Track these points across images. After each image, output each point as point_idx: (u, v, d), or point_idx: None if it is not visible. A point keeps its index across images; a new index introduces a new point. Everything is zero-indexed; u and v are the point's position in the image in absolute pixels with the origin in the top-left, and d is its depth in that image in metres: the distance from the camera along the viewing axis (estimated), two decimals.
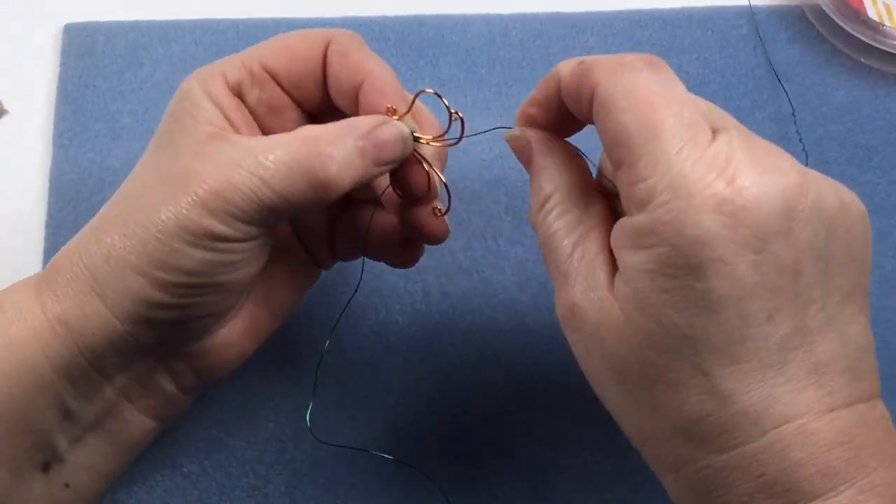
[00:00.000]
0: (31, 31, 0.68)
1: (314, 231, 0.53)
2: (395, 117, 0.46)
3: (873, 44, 0.65)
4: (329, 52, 0.48)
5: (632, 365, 0.39)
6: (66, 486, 0.47)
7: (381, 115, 0.46)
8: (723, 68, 0.66)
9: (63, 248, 0.46)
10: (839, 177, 0.62)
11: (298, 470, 0.60)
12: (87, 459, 0.48)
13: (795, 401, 0.37)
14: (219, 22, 0.68)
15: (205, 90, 0.46)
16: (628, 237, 0.39)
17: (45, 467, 0.46)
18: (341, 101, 0.49)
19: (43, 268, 0.60)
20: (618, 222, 0.40)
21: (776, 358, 0.37)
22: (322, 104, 0.50)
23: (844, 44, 0.67)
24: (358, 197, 0.54)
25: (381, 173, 0.47)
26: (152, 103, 0.64)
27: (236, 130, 0.46)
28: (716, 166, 0.37)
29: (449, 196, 0.50)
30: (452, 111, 0.47)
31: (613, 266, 0.41)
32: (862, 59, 0.66)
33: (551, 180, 0.45)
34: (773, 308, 0.37)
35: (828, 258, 0.39)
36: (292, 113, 0.50)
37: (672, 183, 0.37)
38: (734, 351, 0.37)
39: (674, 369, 0.38)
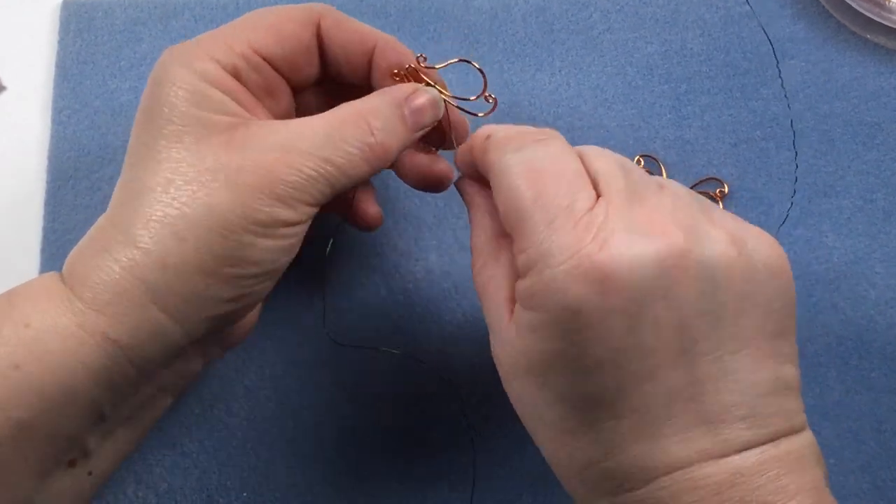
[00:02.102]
0: (29, 7, 0.67)
1: None
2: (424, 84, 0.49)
3: (878, 20, 0.65)
4: (323, 28, 0.48)
5: (534, 413, 0.42)
6: (90, 473, 0.47)
7: (412, 83, 0.49)
8: (726, 45, 0.66)
9: (84, 256, 0.43)
10: (844, 155, 0.63)
11: (299, 449, 0.59)
12: (112, 449, 0.47)
13: (685, 449, 0.38)
14: None
15: (200, 75, 0.45)
16: (519, 296, 0.41)
17: (72, 463, 0.45)
18: (348, 72, 0.50)
19: (42, 246, 0.61)
20: (516, 281, 0.42)
21: (662, 412, 0.38)
22: (309, 80, 0.50)
23: (849, 20, 0.66)
24: None
25: (418, 137, 0.49)
26: None
27: (252, 113, 0.46)
28: (588, 234, 0.38)
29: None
30: (487, 93, 0.52)
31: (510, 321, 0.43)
32: (867, 36, 0.66)
33: (479, 234, 0.47)
34: (654, 366, 0.38)
35: (719, 311, 0.39)
36: (285, 94, 0.50)
37: (543, 253, 0.39)
38: (616, 406, 0.39)
39: (564, 419, 0.40)
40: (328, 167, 0.44)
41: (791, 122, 0.64)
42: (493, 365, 0.43)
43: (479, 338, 0.61)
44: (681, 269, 0.38)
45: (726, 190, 0.62)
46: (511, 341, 0.41)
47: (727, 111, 0.64)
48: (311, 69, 0.50)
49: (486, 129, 0.46)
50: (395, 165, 0.53)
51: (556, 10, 0.67)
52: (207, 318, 0.44)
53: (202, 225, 0.42)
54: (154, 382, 0.46)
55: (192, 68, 0.45)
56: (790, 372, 0.41)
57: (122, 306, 0.42)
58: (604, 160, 0.42)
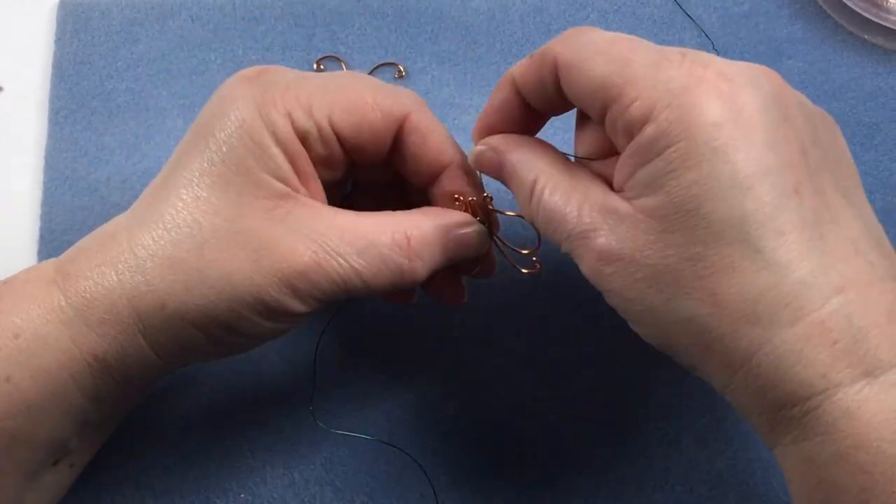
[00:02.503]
0: (25, 7, 0.67)
1: None
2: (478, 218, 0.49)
3: (876, 20, 0.65)
4: (407, 130, 0.47)
5: (682, 270, 0.39)
6: (70, 466, 0.47)
7: (466, 215, 0.48)
8: (724, 45, 0.66)
9: (89, 265, 0.43)
10: None
11: (297, 450, 0.59)
12: (91, 443, 0.48)
13: (847, 268, 0.38)
14: None
15: (271, 131, 0.43)
16: (639, 155, 0.40)
17: (56, 462, 0.46)
18: (411, 176, 0.49)
19: (39, 246, 0.61)
20: (621, 157, 0.41)
21: (815, 230, 0.38)
22: (371, 164, 0.49)
23: (846, 20, 0.66)
24: None
25: (450, 264, 0.48)
26: (148, 81, 0.64)
27: (302, 181, 0.45)
28: (698, 67, 0.39)
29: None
30: (535, 259, 0.51)
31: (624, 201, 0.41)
32: (864, 36, 0.66)
33: (530, 168, 0.45)
34: (796, 181, 0.38)
35: (823, 146, 0.40)
36: (343, 166, 0.48)
37: (668, 89, 0.38)
38: (777, 224, 0.37)
39: (726, 255, 0.38)
40: (353, 276, 0.43)
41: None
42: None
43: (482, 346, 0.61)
44: (787, 95, 0.40)
45: None
46: (641, 214, 0.40)
47: None
48: (378, 158, 0.48)
49: (520, 62, 0.46)
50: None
51: (553, 11, 0.67)
52: (188, 360, 0.46)
53: (213, 287, 0.42)
54: (136, 390, 0.47)
55: (267, 119, 0.43)
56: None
57: (114, 329, 0.42)
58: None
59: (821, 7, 0.67)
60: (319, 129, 0.45)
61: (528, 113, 0.47)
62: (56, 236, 0.61)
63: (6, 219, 0.62)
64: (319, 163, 0.46)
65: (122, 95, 0.64)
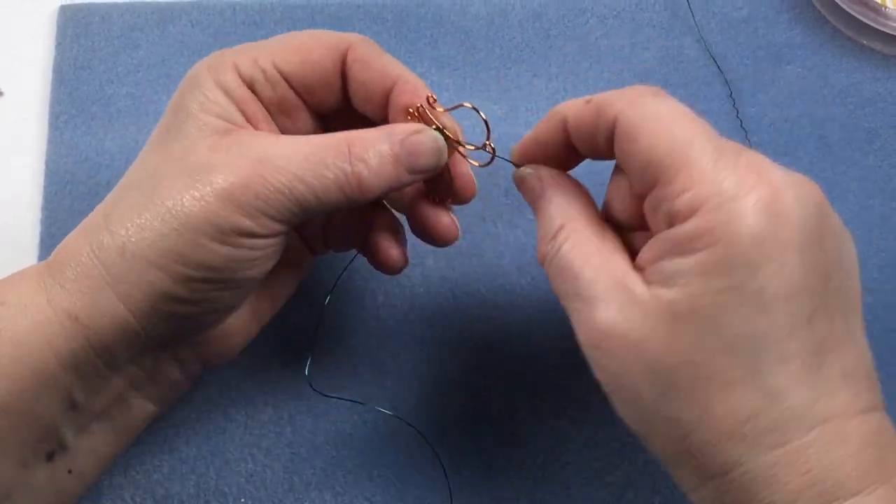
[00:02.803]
0: (26, 12, 0.67)
1: (313, 221, 0.53)
2: (433, 127, 0.47)
3: (875, 25, 0.65)
4: (349, 60, 0.48)
5: (681, 372, 0.39)
6: (70, 471, 0.47)
7: (417, 123, 0.47)
8: (723, 51, 0.66)
9: (69, 237, 0.45)
10: (841, 160, 0.63)
11: (297, 454, 0.59)
12: (90, 446, 0.47)
13: (833, 401, 0.38)
14: (216, 3, 0.67)
15: (216, 80, 0.45)
16: (674, 245, 0.39)
17: (50, 456, 0.46)
18: (366, 107, 0.49)
19: (39, 251, 0.61)
20: (655, 237, 0.41)
21: (815, 360, 0.38)
22: (333, 108, 0.50)
23: (845, 25, 0.66)
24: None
25: (414, 181, 0.47)
26: (149, 86, 0.64)
27: (253, 124, 0.47)
28: (752, 173, 0.38)
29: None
30: (488, 142, 0.49)
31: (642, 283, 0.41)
32: (863, 41, 0.66)
33: (563, 212, 0.45)
34: (812, 310, 0.38)
35: (843, 269, 0.40)
36: (303, 114, 0.49)
37: (719, 189, 0.38)
38: (783, 350, 0.38)
39: (727, 369, 0.38)
40: (299, 185, 0.43)
41: (788, 127, 0.64)
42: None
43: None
44: (827, 216, 0.40)
45: None
46: (656, 301, 0.39)
47: (724, 117, 0.64)
48: (331, 97, 0.49)
49: (579, 99, 0.45)
50: (408, 215, 0.52)
51: (552, 16, 0.67)
52: (163, 316, 0.44)
53: (162, 218, 0.42)
54: (122, 375, 0.46)
55: (213, 75, 0.46)
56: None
57: (83, 284, 0.43)
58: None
59: (819, 12, 0.67)
60: (265, 73, 0.46)
61: (571, 151, 0.47)
62: (56, 241, 0.60)
63: (7, 223, 0.63)
64: (275, 109, 0.48)
65: (122, 100, 0.64)
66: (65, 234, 0.60)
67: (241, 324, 0.50)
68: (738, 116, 0.64)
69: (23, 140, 0.64)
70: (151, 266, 0.42)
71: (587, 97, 0.45)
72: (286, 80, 0.47)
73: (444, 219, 0.51)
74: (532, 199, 0.48)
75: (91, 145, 0.63)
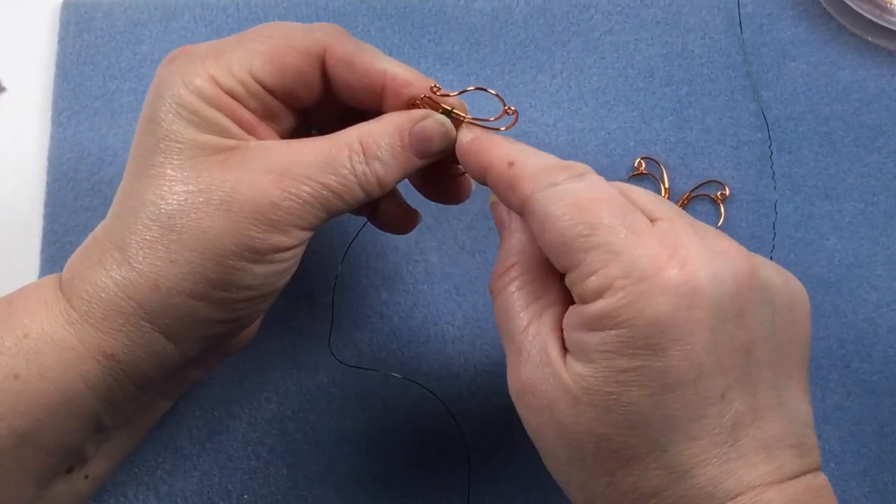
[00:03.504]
0: (29, 7, 0.67)
1: None
2: (440, 111, 0.47)
3: (880, 22, 0.65)
4: (330, 63, 0.47)
5: (586, 442, 0.39)
6: (86, 477, 0.47)
7: (421, 109, 0.47)
8: (728, 47, 0.65)
9: (80, 268, 0.43)
10: (845, 157, 0.63)
11: (300, 451, 0.59)
12: (108, 453, 0.48)
13: (748, 474, 0.38)
14: None
15: (196, 92, 0.44)
16: (584, 321, 0.39)
17: (70, 469, 0.46)
18: (354, 103, 0.48)
19: (42, 246, 0.61)
20: (570, 308, 0.41)
21: (729, 435, 0.38)
22: (314, 105, 0.49)
23: (851, 22, 0.66)
24: None
25: (426, 164, 0.47)
26: (151, 81, 0.63)
27: (249, 131, 0.46)
28: (665, 248, 0.38)
29: None
30: (507, 107, 0.49)
31: (565, 346, 0.41)
32: (868, 38, 0.66)
33: (519, 250, 0.45)
34: (725, 387, 0.38)
35: (775, 337, 0.40)
36: (287, 117, 0.48)
37: (627, 268, 0.38)
38: (691, 428, 0.38)
39: (631, 446, 0.38)
40: (324, 192, 0.43)
41: (792, 125, 0.64)
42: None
43: (478, 361, 0.61)
44: (752, 290, 0.39)
45: (727, 192, 0.62)
46: (567, 369, 0.40)
47: (728, 113, 0.64)
48: (311, 97, 0.48)
49: (505, 152, 0.44)
50: (418, 180, 0.53)
51: (557, 12, 0.66)
52: (202, 338, 0.44)
53: (194, 249, 0.42)
54: (155, 391, 0.46)
55: (190, 85, 0.44)
56: (810, 407, 0.42)
57: (117, 323, 0.42)
58: (642, 192, 0.42)
59: (825, 9, 0.67)
60: (244, 85, 0.45)
61: None
62: (59, 237, 0.61)
63: (9, 220, 0.62)
64: (262, 116, 0.47)
65: (125, 96, 0.64)
66: (67, 231, 0.61)
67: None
68: (759, 108, 0.64)
69: (25, 136, 0.64)
70: (190, 298, 0.42)
71: (510, 160, 0.44)
72: (266, 89, 0.46)
73: (454, 182, 0.52)
74: (499, 227, 0.48)
75: (94, 141, 0.63)
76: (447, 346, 0.61)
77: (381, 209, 0.52)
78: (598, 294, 0.38)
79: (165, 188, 0.43)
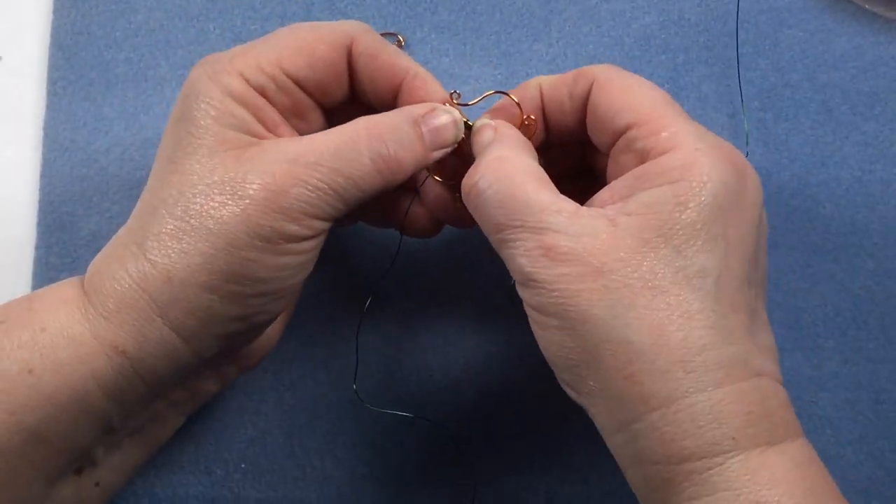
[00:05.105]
0: None
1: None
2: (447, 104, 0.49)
3: None
4: (355, 55, 0.48)
5: (641, 295, 0.40)
6: (97, 485, 0.47)
7: (429, 103, 0.48)
8: (724, 15, 0.65)
9: (102, 265, 0.44)
10: (842, 125, 0.63)
11: (297, 421, 0.59)
12: (120, 461, 0.48)
13: (763, 361, 0.41)
14: None
15: (223, 89, 0.44)
16: (650, 176, 0.42)
17: (79, 472, 0.46)
18: (374, 99, 0.49)
19: (38, 217, 0.61)
20: (623, 176, 0.43)
21: (751, 322, 0.42)
22: (340, 102, 0.49)
23: None
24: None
25: (436, 158, 0.48)
26: (147, 51, 0.63)
27: (271, 130, 0.46)
28: (726, 142, 0.44)
29: None
30: (525, 117, 0.50)
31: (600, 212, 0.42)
32: (866, 6, 0.65)
33: (514, 147, 0.47)
34: (749, 272, 0.43)
35: (761, 243, 0.46)
36: (315, 114, 0.49)
37: (700, 135, 0.43)
38: (735, 299, 0.42)
39: (688, 299, 0.40)
40: (338, 178, 0.43)
41: (789, 93, 0.64)
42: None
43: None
44: (756, 186, 0.44)
45: None
46: (616, 224, 0.41)
47: (725, 81, 0.64)
48: (341, 91, 0.49)
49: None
50: (421, 194, 0.53)
51: None
52: (214, 336, 0.44)
53: (206, 240, 0.42)
54: (165, 399, 0.46)
55: (219, 83, 0.44)
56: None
57: (129, 316, 0.42)
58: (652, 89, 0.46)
59: None
60: (275, 80, 0.46)
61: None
62: (55, 207, 0.61)
63: (5, 190, 0.62)
64: (289, 114, 0.47)
65: (120, 66, 0.64)
66: (63, 201, 0.61)
67: (275, 326, 0.50)
68: (738, 81, 0.64)
69: (21, 106, 0.64)
70: (202, 290, 0.42)
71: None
72: (296, 83, 0.47)
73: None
74: (480, 148, 0.47)
75: (89, 111, 0.63)
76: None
77: (410, 213, 0.52)
78: (671, 147, 0.42)
79: (183, 182, 0.43)
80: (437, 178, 0.51)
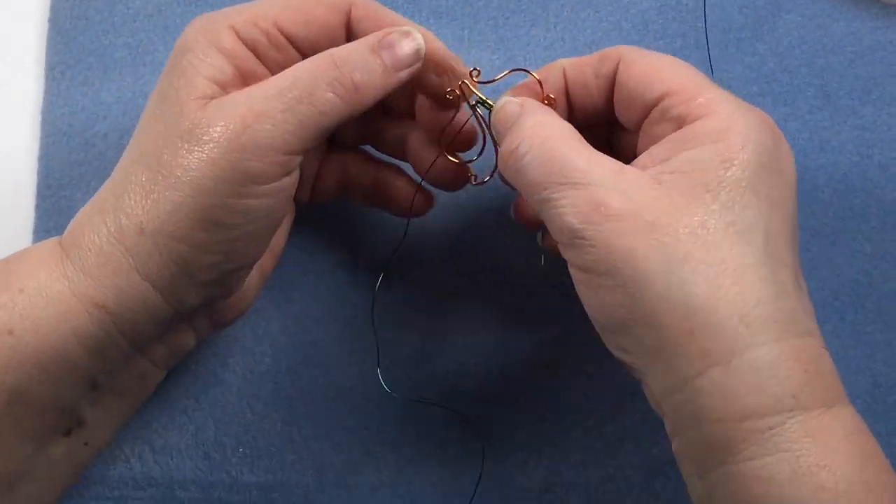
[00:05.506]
0: None
1: (305, 171, 0.53)
2: (468, 82, 0.49)
3: None
4: (354, 19, 0.47)
5: (695, 250, 0.40)
6: (86, 444, 0.47)
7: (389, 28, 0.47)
8: (722, 0, 0.65)
9: (82, 218, 0.44)
10: (840, 110, 0.63)
11: (295, 405, 0.59)
12: (106, 418, 0.48)
13: (810, 322, 0.41)
14: None
15: (211, 42, 0.44)
16: (689, 139, 0.42)
17: (67, 432, 0.46)
18: None
19: (36, 202, 0.61)
20: (661, 141, 0.43)
21: (796, 280, 0.42)
22: None
23: None
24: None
25: (401, 81, 0.46)
26: (145, 36, 0.63)
27: (251, 83, 0.46)
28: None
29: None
30: (546, 96, 0.50)
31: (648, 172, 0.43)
32: None
33: (546, 116, 0.46)
34: (793, 229, 0.43)
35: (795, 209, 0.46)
36: None
37: (730, 100, 0.43)
38: (784, 255, 0.42)
39: (741, 253, 0.40)
40: (299, 107, 0.43)
41: (788, 77, 0.64)
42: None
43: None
44: (790, 152, 0.44)
45: None
46: (665, 181, 0.41)
47: (723, 66, 0.64)
48: None
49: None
50: (413, 162, 0.53)
51: None
52: (189, 288, 0.44)
53: (174, 188, 0.42)
54: (147, 356, 0.46)
55: (209, 38, 0.44)
56: None
57: (107, 270, 0.42)
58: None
59: None
60: (268, 35, 0.46)
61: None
62: (53, 192, 0.61)
63: (3, 175, 0.62)
64: (279, 70, 0.47)
65: (119, 50, 0.63)
66: (62, 185, 0.61)
67: (251, 283, 0.50)
68: (737, 66, 0.64)
69: (18, 91, 0.64)
70: (173, 240, 0.42)
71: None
72: (291, 42, 0.47)
73: (453, 164, 0.52)
74: (508, 122, 0.47)
75: (87, 96, 0.63)
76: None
77: (396, 187, 0.54)
78: (707, 111, 0.42)
79: (159, 133, 0.43)
80: (450, 157, 0.52)
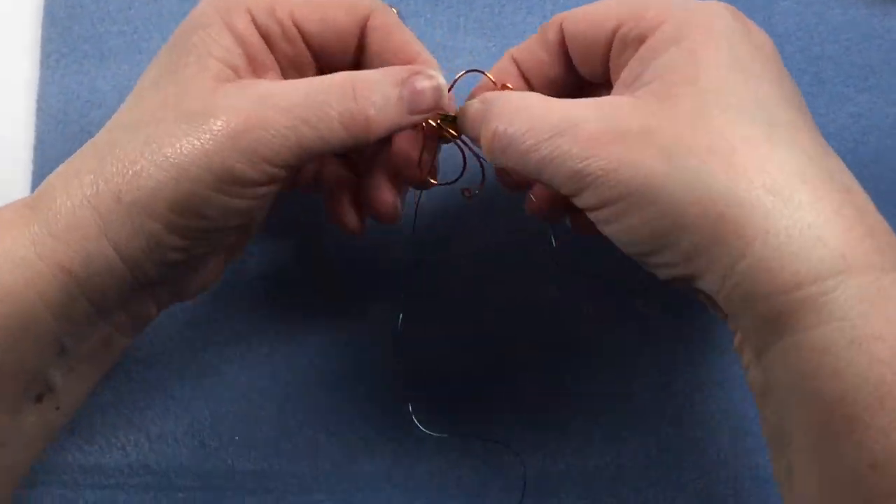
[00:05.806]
0: None
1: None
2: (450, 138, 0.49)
3: None
4: (369, 28, 0.47)
5: (700, 143, 0.39)
6: (57, 408, 0.47)
7: (416, 65, 0.47)
8: None
9: (57, 177, 0.44)
10: (836, 97, 0.63)
11: (291, 395, 0.59)
12: (75, 385, 0.47)
13: (850, 179, 0.41)
14: None
15: (226, 22, 0.44)
16: (654, 49, 0.42)
17: (39, 398, 0.45)
18: None
19: (31, 191, 0.60)
20: (631, 61, 0.44)
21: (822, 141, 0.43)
22: (339, 69, 0.48)
23: None
24: None
25: (413, 124, 0.47)
26: (141, 24, 0.63)
27: (259, 75, 0.46)
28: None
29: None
30: (501, 86, 0.50)
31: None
32: None
33: (517, 95, 0.46)
34: (799, 97, 0.44)
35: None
36: (311, 73, 0.48)
37: (685, 3, 0.43)
38: (794, 117, 0.41)
39: (747, 134, 0.39)
40: (303, 128, 0.42)
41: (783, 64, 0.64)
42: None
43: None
44: (760, 30, 0.45)
45: None
46: (643, 94, 0.41)
47: None
48: (345, 59, 0.48)
49: None
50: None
51: None
52: (154, 263, 0.44)
53: (160, 166, 0.41)
54: (111, 321, 0.46)
55: (224, 17, 0.44)
56: None
57: (78, 234, 0.42)
58: None
59: None
60: (282, 26, 0.46)
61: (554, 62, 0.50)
62: None
63: None
64: (287, 65, 0.47)
65: (114, 39, 0.63)
66: None
67: (216, 262, 0.50)
68: None
69: (14, 79, 0.64)
70: (147, 216, 0.42)
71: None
72: (303, 37, 0.47)
73: (391, 197, 0.51)
74: (476, 123, 0.46)
75: (83, 84, 0.63)
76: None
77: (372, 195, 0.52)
78: (661, 21, 0.42)
79: (157, 105, 0.43)
80: (433, 181, 0.52)
